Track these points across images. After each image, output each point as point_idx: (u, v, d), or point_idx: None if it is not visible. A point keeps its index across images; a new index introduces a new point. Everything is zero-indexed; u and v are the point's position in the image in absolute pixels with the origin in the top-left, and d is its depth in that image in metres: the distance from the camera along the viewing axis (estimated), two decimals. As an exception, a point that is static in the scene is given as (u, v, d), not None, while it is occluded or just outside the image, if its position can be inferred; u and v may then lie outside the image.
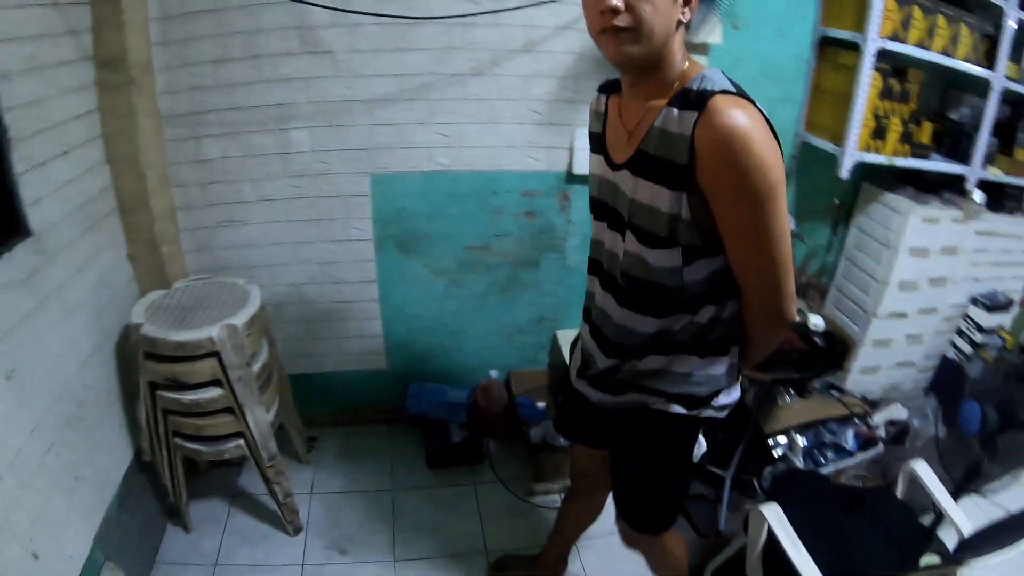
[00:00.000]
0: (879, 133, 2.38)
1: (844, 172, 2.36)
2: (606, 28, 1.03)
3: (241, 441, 2.13)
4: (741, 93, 1.02)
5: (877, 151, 2.40)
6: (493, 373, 2.89)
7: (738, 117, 0.97)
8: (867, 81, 2.22)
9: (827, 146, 2.44)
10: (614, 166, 1.21)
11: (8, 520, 1.61)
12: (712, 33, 2.20)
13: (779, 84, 2.49)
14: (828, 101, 2.46)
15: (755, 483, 2.59)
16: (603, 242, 1.29)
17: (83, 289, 2.15)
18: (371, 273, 2.56)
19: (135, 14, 2.25)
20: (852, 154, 2.34)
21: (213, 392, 2.01)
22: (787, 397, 2.67)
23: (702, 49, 2.29)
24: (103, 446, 2.18)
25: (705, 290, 1.16)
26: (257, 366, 2.12)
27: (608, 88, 1.33)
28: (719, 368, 1.27)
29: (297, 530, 2.35)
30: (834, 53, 2.40)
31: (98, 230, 2.28)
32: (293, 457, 2.62)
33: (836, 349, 2.52)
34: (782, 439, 2.62)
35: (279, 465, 2.22)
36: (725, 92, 1.01)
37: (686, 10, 1.05)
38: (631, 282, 1.19)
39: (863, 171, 2.54)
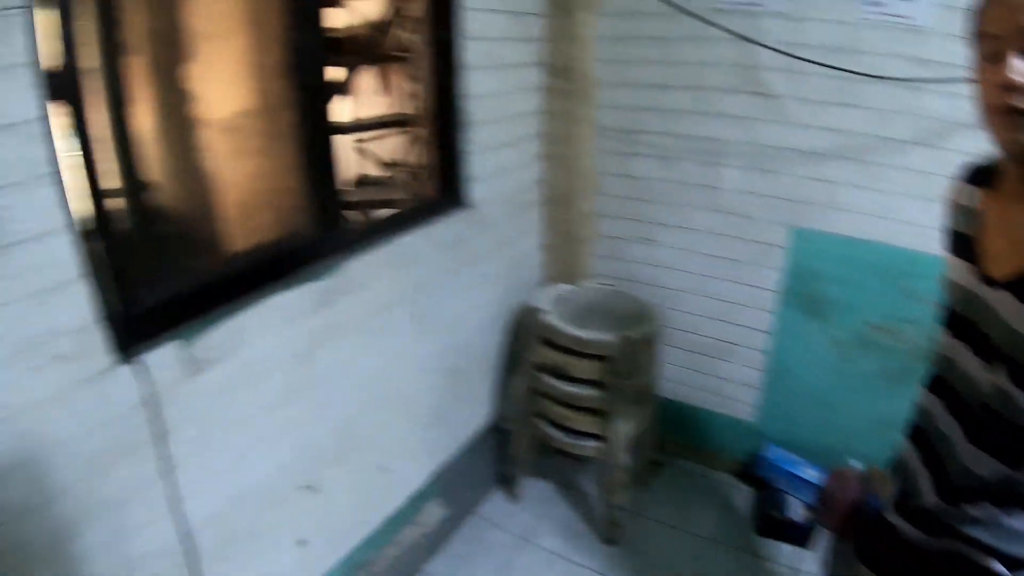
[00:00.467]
0: None
1: None
2: (1005, 107, 0.90)
3: (598, 444, 2.39)
4: None
5: None
6: (854, 463, 3.02)
7: None
8: None
9: None
10: (989, 282, 1.06)
11: (374, 435, 2.09)
12: None
13: None
14: None
15: None
16: (956, 362, 1.15)
17: (498, 264, 2.62)
18: (765, 324, 2.67)
19: (586, 31, 2.65)
20: None
21: (591, 391, 2.31)
22: None
23: None
24: (470, 401, 2.65)
25: None
26: (638, 380, 2.36)
27: (979, 179, 1.18)
28: None
29: (611, 542, 2.54)
30: None
31: (522, 217, 2.74)
32: (634, 476, 2.97)
33: None
34: None
35: (622, 478, 2.43)
36: None
37: None
38: (991, 418, 1.04)
39: None
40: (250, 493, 1.78)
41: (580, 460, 3.07)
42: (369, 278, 2.00)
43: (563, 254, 2.76)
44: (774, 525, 2.76)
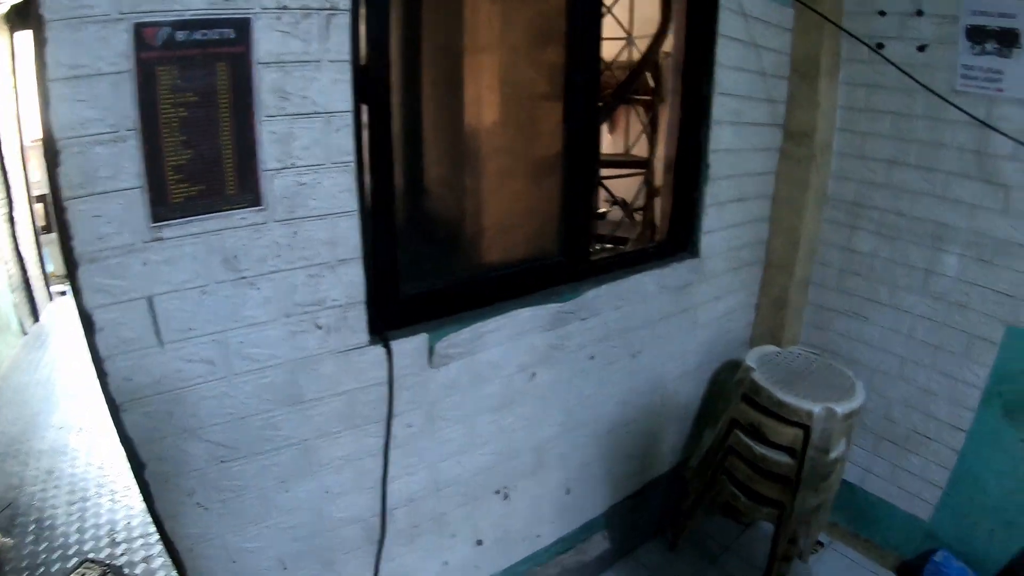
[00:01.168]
0: None
1: None
2: None
3: (776, 511, 2.47)
4: None
5: None
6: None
7: None
8: None
9: None
10: None
11: (569, 455, 2.39)
12: None
13: None
14: None
15: None
16: None
17: (712, 314, 2.85)
18: (965, 422, 2.70)
19: (828, 99, 2.86)
20: None
21: (784, 458, 2.40)
22: None
23: None
24: (659, 446, 2.88)
25: None
26: (832, 456, 2.38)
27: None
28: None
29: None
30: None
31: (742, 274, 2.97)
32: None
33: None
34: None
35: (792, 551, 2.51)
36: None
37: None
38: None
39: None
40: (450, 485, 2.08)
41: (747, 525, 3.25)
42: (601, 307, 2.26)
43: (773, 315, 2.96)
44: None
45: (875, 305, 2.89)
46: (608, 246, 2.98)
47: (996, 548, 2.71)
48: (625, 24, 3.77)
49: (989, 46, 2.54)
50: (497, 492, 2.21)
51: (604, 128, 3.54)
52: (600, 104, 2.43)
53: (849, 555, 3.06)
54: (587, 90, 2.03)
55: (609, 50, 3.24)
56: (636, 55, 3.62)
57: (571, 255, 2.15)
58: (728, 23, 2.30)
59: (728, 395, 2.59)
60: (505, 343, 2.01)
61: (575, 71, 1.99)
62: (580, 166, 2.09)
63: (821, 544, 3.05)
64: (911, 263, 2.92)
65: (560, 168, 2.09)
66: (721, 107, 2.39)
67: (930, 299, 2.90)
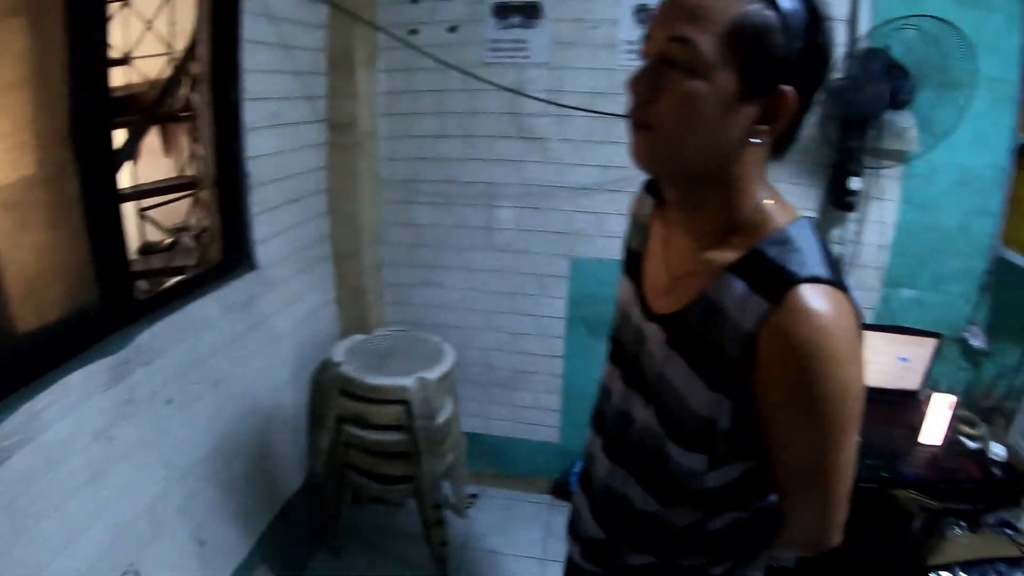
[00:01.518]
0: None
1: None
2: (629, 117, 0.90)
3: (409, 485, 2.60)
4: (835, 279, 0.85)
5: None
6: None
7: (827, 324, 0.81)
8: None
9: None
10: (647, 313, 1.07)
11: (187, 505, 2.13)
12: (909, 141, 2.48)
13: (977, 195, 2.74)
14: None
15: None
16: (612, 394, 1.18)
17: (291, 321, 2.91)
18: (558, 349, 3.15)
19: (367, 88, 3.08)
20: None
21: (395, 436, 2.51)
22: (956, 529, 2.91)
23: (896, 156, 2.61)
24: (283, 462, 2.88)
25: (728, 493, 1.04)
26: (440, 419, 2.59)
27: (656, 191, 1.16)
28: (727, 566, 1.15)
29: None
30: None
31: (311, 272, 3.07)
32: (452, 510, 3.15)
33: (1016, 483, 2.75)
34: (945, 574, 2.85)
35: (440, 514, 2.66)
36: (815, 279, 0.83)
37: (763, 128, 0.86)
38: (643, 457, 1.07)
39: None
40: (73, 584, 1.91)
41: (396, 504, 3.42)
42: (162, 347, 2.19)
43: (355, 305, 3.07)
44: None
45: (446, 271, 3.14)
46: (170, 279, 2.90)
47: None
48: (166, 37, 3.63)
49: (514, 20, 2.92)
50: (129, 571, 2.08)
51: (159, 151, 3.45)
52: (132, 127, 2.37)
53: (502, 495, 3.37)
54: (97, 117, 1.93)
55: (149, 67, 3.15)
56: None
57: (112, 301, 2.05)
58: (254, 28, 2.30)
59: (327, 391, 2.69)
60: (67, 414, 1.88)
61: (82, 97, 1.87)
62: (102, 204, 1.99)
63: (475, 496, 3.30)
64: (470, 224, 3.14)
65: (81, 210, 1.96)
66: (254, 112, 2.40)
67: (496, 252, 3.26)
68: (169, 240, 3.56)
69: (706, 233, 0.97)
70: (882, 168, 2.84)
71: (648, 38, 0.88)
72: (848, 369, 0.84)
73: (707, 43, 0.81)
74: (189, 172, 3.22)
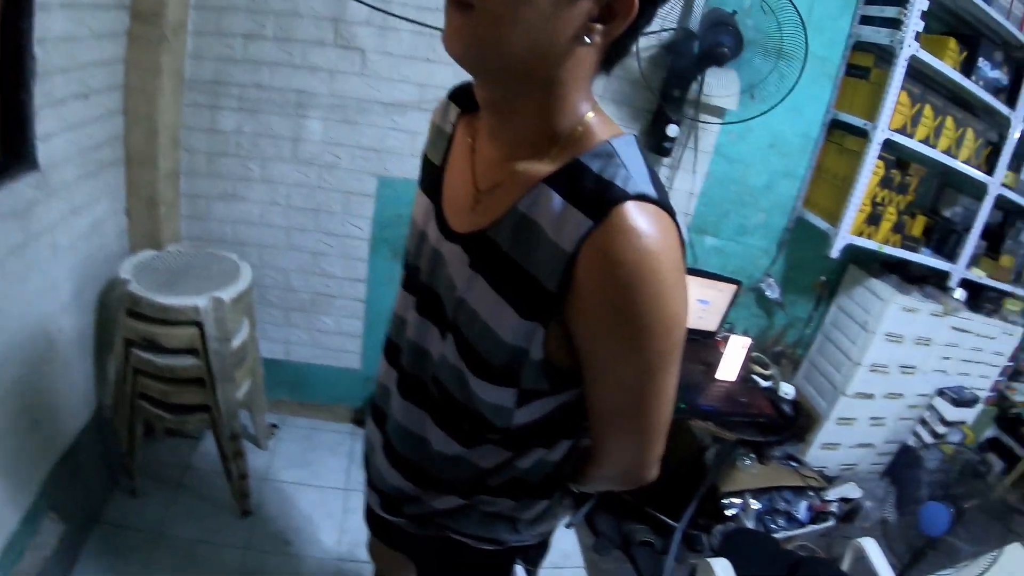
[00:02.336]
0: (874, 220, 3.01)
1: (834, 252, 2.96)
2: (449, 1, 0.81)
3: (206, 415, 2.55)
4: (661, 199, 0.83)
5: (869, 237, 3.03)
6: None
7: (654, 246, 0.79)
8: (870, 168, 2.81)
9: (821, 224, 3.05)
10: (447, 231, 1.02)
11: None
12: (730, 99, 2.77)
13: (784, 159, 3.16)
14: (828, 181, 3.10)
15: (703, 539, 3.30)
16: (407, 325, 1.13)
17: (75, 233, 2.68)
18: (361, 273, 3.18)
19: (179, -28, 2.88)
20: (845, 237, 2.94)
21: (188, 360, 2.44)
22: (747, 460, 3.40)
23: (716, 112, 2.89)
24: (67, 395, 2.46)
25: (536, 431, 1.03)
26: (236, 343, 2.53)
27: (463, 99, 1.11)
28: (537, 509, 1.18)
29: (246, 513, 2.79)
30: (841, 136, 3.05)
31: (99, 178, 2.84)
32: (252, 441, 3.16)
33: (801, 421, 3.17)
34: (737, 500, 3.31)
35: (239, 446, 2.64)
36: (642, 197, 0.81)
37: (597, 27, 0.81)
38: (442, 394, 1.04)
39: (852, 253, 3.14)
40: None
41: (189, 435, 3.37)
42: None
43: (147, 217, 2.85)
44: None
45: (249, 183, 3.04)
46: None
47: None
48: None
49: None
50: None
51: None
52: None
53: (304, 424, 3.46)
54: None
55: None
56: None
57: None
58: None
59: (112, 313, 2.55)
60: None
61: None
62: None
63: (275, 426, 3.34)
64: (277, 134, 3.15)
65: None
66: None
67: (302, 166, 3.21)
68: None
69: (520, 141, 0.94)
70: (700, 121, 3.09)
71: None
72: (674, 294, 0.83)
73: None
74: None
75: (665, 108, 2.83)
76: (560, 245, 0.84)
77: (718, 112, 2.93)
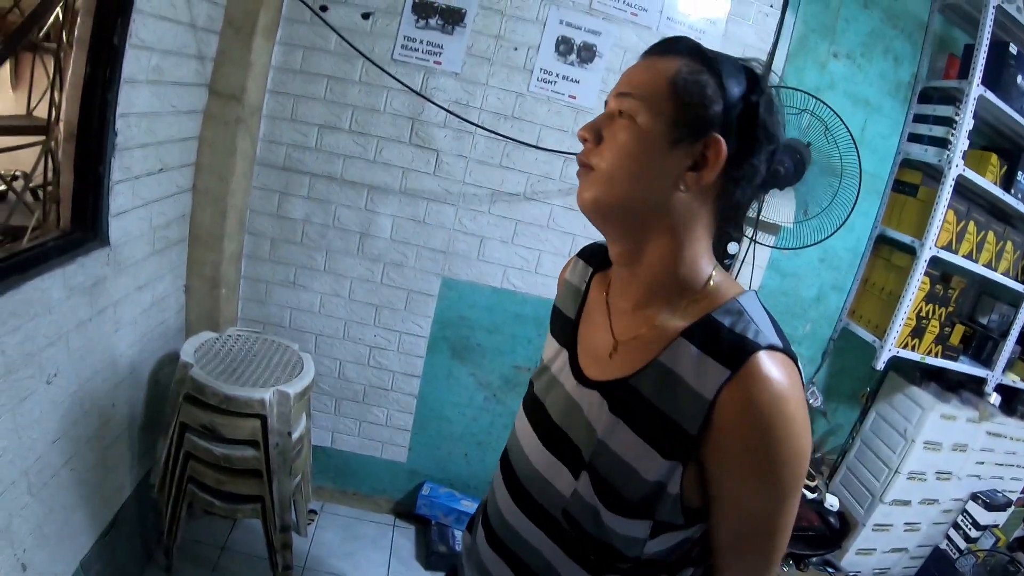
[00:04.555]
0: (918, 332, 2.82)
1: (880, 364, 2.77)
2: (579, 164, 0.93)
3: (258, 505, 2.29)
4: (787, 348, 0.86)
5: (913, 349, 2.84)
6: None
7: (785, 391, 0.81)
8: (917, 284, 2.66)
9: (867, 336, 2.88)
10: (583, 379, 1.00)
11: (10, 526, 1.71)
12: (784, 213, 2.63)
13: (833, 272, 3.01)
14: (874, 295, 2.94)
15: None
16: (536, 469, 1.05)
17: (137, 309, 2.41)
18: (417, 369, 2.93)
19: (261, 58, 2.64)
20: (891, 349, 2.76)
21: (247, 452, 2.21)
22: (784, 568, 3.11)
23: (772, 228, 2.74)
24: (113, 469, 2.39)
25: (664, 560, 0.97)
26: (296, 436, 2.30)
27: (594, 258, 1.13)
28: None
29: None
30: (888, 252, 2.91)
31: (166, 255, 2.56)
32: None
33: (847, 530, 2.97)
34: None
35: (288, 538, 2.36)
36: (772, 348, 0.83)
37: (691, 175, 0.87)
38: (573, 527, 0.97)
39: (893, 362, 2.91)
40: None
41: (233, 518, 3.00)
42: None
43: (207, 296, 2.63)
44: (442, 559, 2.99)
45: (312, 273, 2.83)
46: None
47: (474, 467, 3.14)
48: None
49: (433, 21, 2.63)
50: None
51: (6, 81, 2.77)
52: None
53: (343, 512, 3.11)
54: None
55: None
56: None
57: None
58: None
59: (171, 396, 2.28)
60: None
61: None
62: None
63: (314, 512, 3.00)
64: (345, 227, 2.90)
65: None
66: (137, 62, 2.00)
67: (368, 261, 2.94)
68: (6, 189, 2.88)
69: (650, 293, 0.95)
70: (758, 238, 2.87)
71: (606, 102, 0.93)
72: (802, 432, 0.83)
73: (646, 95, 0.86)
74: (40, 114, 2.61)
75: (727, 225, 2.52)
76: (700, 393, 0.84)
77: (774, 228, 2.75)
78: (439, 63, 2.61)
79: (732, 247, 2.73)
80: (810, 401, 3.29)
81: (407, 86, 2.53)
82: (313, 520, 2.96)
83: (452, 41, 2.59)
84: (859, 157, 2.49)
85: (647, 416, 0.89)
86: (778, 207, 2.85)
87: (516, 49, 2.61)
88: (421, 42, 2.59)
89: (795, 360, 0.86)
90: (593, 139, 0.92)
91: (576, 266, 1.18)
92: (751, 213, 2.44)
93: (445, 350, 2.93)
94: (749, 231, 2.86)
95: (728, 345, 0.85)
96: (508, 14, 2.58)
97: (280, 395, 2.19)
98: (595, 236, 1.05)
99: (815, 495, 2.80)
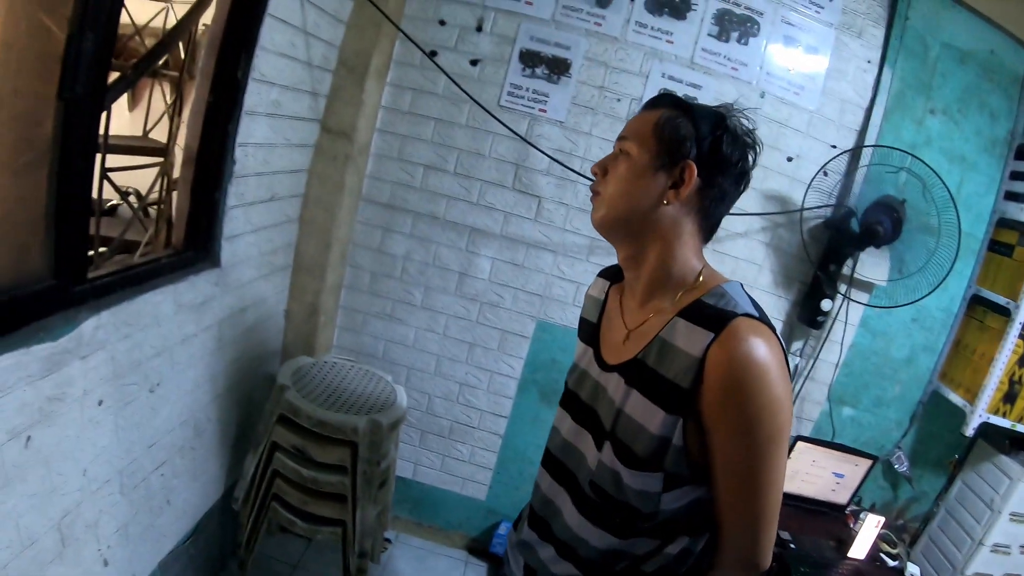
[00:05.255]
0: (1010, 397, 2.62)
1: (970, 430, 2.60)
2: (591, 191, 1.15)
3: (339, 529, 2.26)
4: (764, 318, 1.00)
5: (1004, 415, 2.63)
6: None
7: (758, 348, 0.95)
8: (1011, 347, 2.51)
9: (957, 400, 2.71)
10: (604, 366, 1.17)
11: (98, 522, 1.75)
12: (879, 272, 2.56)
13: (925, 332, 2.82)
14: (966, 357, 2.75)
15: None
16: (568, 441, 1.22)
17: (239, 330, 2.44)
18: (505, 409, 2.88)
19: (372, 98, 2.67)
20: (982, 415, 2.58)
21: (335, 477, 2.19)
22: None
23: (866, 287, 2.67)
24: (200, 479, 2.40)
25: (682, 519, 1.09)
26: (383, 465, 2.29)
27: (609, 274, 1.33)
28: None
29: None
30: (982, 313, 2.73)
31: (270, 280, 2.60)
32: None
33: None
34: None
35: (365, 564, 2.31)
36: (748, 315, 0.98)
37: (671, 192, 1.06)
38: (601, 496, 1.11)
39: (982, 428, 2.69)
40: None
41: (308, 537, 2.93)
42: (105, 340, 1.71)
43: (305, 322, 2.66)
44: (514, 599, 2.90)
45: (409, 308, 2.84)
46: (108, 252, 2.34)
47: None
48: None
49: (539, 71, 2.65)
50: (27, 592, 1.53)
51: (124, 102, 2.87)
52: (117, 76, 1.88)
53: (417, 544, 3.04)
54: (97, 58, 1.46)
55: (143, 11, 2.63)
56: (174, 21, 2.88)
57: (65, 275, 1.55)
58: (281, 2, 1.97)
59: (265, 415, 2.30)
60: None
61: (84, 33, 1.40)
62: (76, 155, 1.50)
63: (389, 541, 2.96)
64: (445, 266, 2.89)
65: (52, 157, 1.47)
66: (257, 96, 2.04)
67: (465, 300, 2.91)
68: (114, 203, 2.97)
69: (652, 288, 1.13)
70: (851, 296, 2.75)
71: (614, 145, 1.14)
72: (776, 385, 0.95)
73: (638, 137, 1.08)
74: (157, 136, 2.69)
75: (822, 282, 2.61)
76: (692, 353, 0.99)
77: (868, 287, 2.67)
78: (544, 111, 2.62)
79: (825, 304, 2.63)
80: (895, 465, 3.09)
81: (514, 131, 2.53)
82: (387, 548, 2.91)
83: (557, 90, 2.60)
84: (958, 215, 2.39)
85: (653, 381, 1.04)
86: (873, 265, 2.75)
87: (619, 100, 2.60)
88: (527, 90, 2.62)
89: (771, 327, 1.00)
90: (601, 173, 1.13)
91: (597, 283, 1.37)
92: (846, 271, 2.31)
93: (534, 392, 2.87)
94: (843, 289, 2.75)
95: (713, 315, 1.01)
96: (612, 66, 2.58)
97: (373, 424, 2.17)
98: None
99: (896, 563, 2.61)
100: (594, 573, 1.17)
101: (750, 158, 1.11)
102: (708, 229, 1.14)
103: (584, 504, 1.16)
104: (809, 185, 2.55)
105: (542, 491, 1.28)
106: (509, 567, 1.36)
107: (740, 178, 1.11)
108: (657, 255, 1.11)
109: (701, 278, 1.11)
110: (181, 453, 2.23)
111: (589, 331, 1.30)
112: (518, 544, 1.35)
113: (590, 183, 1.17)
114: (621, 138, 1.12)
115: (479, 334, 2.81)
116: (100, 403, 1.76)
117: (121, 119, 2.92)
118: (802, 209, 2.70)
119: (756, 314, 1.01)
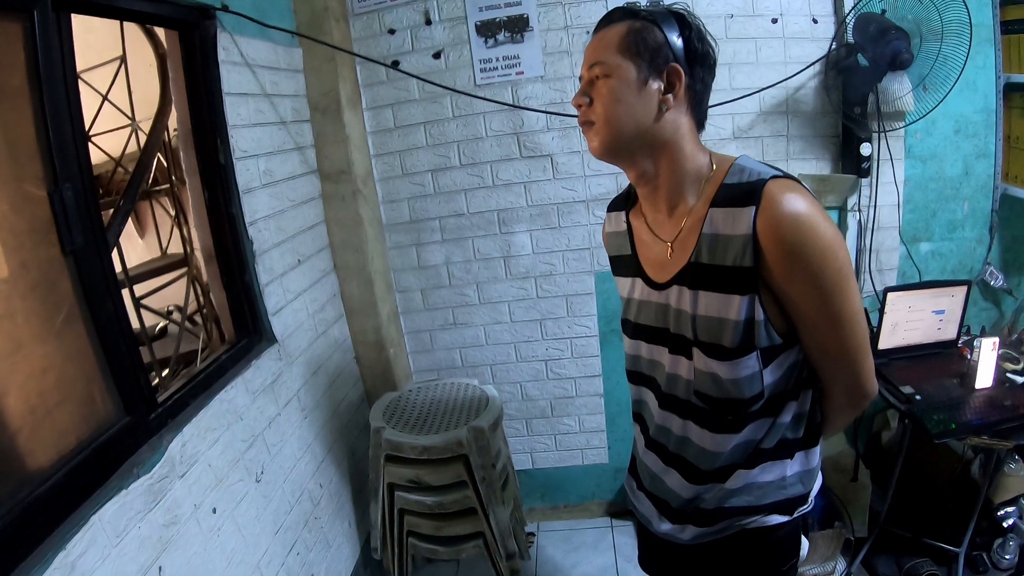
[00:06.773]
0: None
1: None
2: (581, 125, 1.12)
3: (480, 541, 2.23)
4: (787, 174, 1.02)
5: None
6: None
7: (798, 202, 0.96)
8: None
9: None
10: (659, 286, 1.17)
11: None
12: (905, 100, 2.38)
13: (972, 140, 2.61)
14: (1021, 148, 2.55)
15: (985, 557, 2.65)
16: (656, 362, 1.22)
17: (318, 391, 2.43)
18: (596, 368, 2.78)
19: (356, 129, 2.61)
20: None
21: (457, 494, 2.16)
22: (1012, 464, 2.76)
23: (896, 117, 2.47)
24: (334, 543, 2.41)
25: (784, 387, 1.11)
26: (499, 466, 2.22)
27: (619, 205, 1.32)
28: (811, 461, 1.20)
29: None
30: (1021, 99, 2.50)
31: (329, 335, 2.57)
32: None
33: None
34: (1010, 508, 2.67)
35: (516, 564, 2.27)
36: (774, 177, 1.00)
37: (668, 97, 1.05)
38: (707, 401, 1.12)
39: None
40: None
41: (453, 560, 2.95)
42: (196, 452, 1.71)
43: (377, 361, 2.63)
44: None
45: (468, 308, 2.77)
46: (171, 371, 2.36)
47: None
48: (125, 108, 2.82)
49: (501, 36, 2.53)
50: None
51: (133, 232, 2.85)
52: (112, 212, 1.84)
53: (560, 527, 2.99)
54: (84, 203, 1.46)
55: (116, 142, 2.60)
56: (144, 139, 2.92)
57: (136, 409, 1.57)
58: (233, 79, 1.93)
59: (372, 461, 2.28)
60: (106, 555, 1.38)
61: (61, 184, 1.40)
62: (100, 300, 1.50)
63: (532, 534, 2.93)
64: (487, 256, 2.81)
65: (78, 312, 1.47)
66: (247, 172, 2.00)
67: (518, 280, 2.82)
68: (161, 325, 2.96)
69: (673, 196, 1.12)
70: (887, 130, 2.56)
71: (581, 77, 1.12)
72: (827, 227, 0.97)
73: (611, 56, 1.05)
74: (173, 251, 2.67)
75: (851, 127, 2.46)
76: (741, 233, 1.00)
77: (899, 117, 2.48)
78: (521, 73, 2.50)
79: (865, 148, 2.56)
80: (990, 281, 2.89)
81: (500, 103, 2.46)
82: (532, 542, 2.88)
83: (525, 48, 2.48)
84: (966, 4, 2.25)
85: (716, 275, 1.04)
86: (896, 92, 2.52)
87: (588, 32, 2.49)
88: (497, 59, 2.51)
89: (797, 179, 1.01)
90: (584, 101, 1.10)
91: (610, 218, 1.34)
92: (870, 109, 2.30)
93: (616, 341, 2.73)
94: (874, 126, 2.57)
95: (743, 191, 1.01)
96: (567, 1, 2.43)
97: (475, 431, 2.13)
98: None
99: (1022, 378, 2.38)
100: (720, 478, 1.19)
101: (714, 46, 1.11)
102: (699, 121, 1.14)
103: (695, 415, 1.16)
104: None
105: (653, 418, 1.27)
106: (639, 512, 1.38)
107: (713, 66, 1.12)
108: (669, 162, 1.11)
109: (715, 166, 1.11)
110: (307, 527, 2.24)
111: (628, 263, 1.28)
112: (639, 486, 1.39)
113: (579, 120, 1.14)
114: (592, 64, 1.09)
115: (544, 307, 2.73)
116: (214, 511, 1.77)
117: (137, 249, 2.90)
118: (812, 64, 2.57)
119: (779, 173, 1.02)
